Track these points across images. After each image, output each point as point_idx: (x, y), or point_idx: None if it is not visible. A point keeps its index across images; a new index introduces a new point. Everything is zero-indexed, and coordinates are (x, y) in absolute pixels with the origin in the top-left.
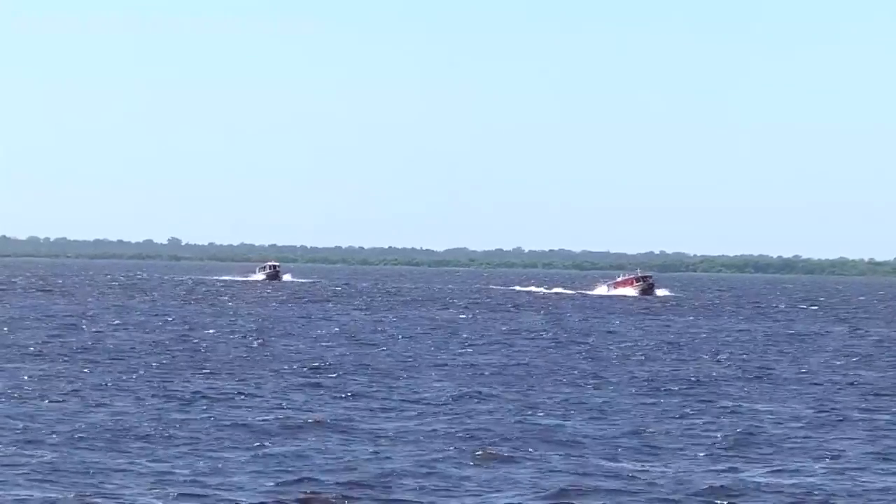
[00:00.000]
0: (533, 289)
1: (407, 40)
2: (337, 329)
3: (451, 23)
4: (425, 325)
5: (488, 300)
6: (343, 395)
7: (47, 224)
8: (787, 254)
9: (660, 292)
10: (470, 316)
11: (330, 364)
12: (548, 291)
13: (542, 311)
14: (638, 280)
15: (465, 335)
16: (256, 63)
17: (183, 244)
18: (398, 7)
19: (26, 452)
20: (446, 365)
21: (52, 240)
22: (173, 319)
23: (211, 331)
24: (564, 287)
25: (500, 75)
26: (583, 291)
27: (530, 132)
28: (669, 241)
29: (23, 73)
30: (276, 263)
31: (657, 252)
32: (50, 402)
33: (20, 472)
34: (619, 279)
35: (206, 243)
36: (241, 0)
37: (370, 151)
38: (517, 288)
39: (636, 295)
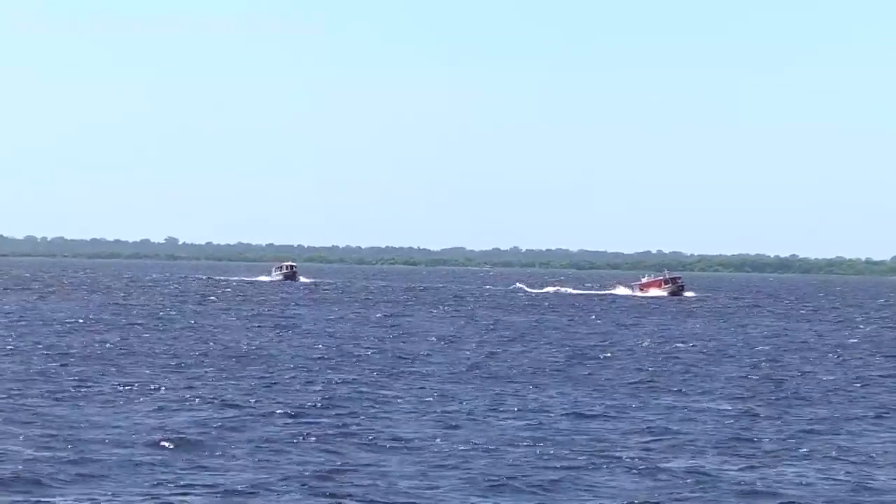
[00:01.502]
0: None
1: (406, 41)
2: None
3: (450, 24)
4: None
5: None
6: None
7: (44, 223)
8: (784, 253)
9: (688, 293)
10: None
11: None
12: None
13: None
14: (667, 282)
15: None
16: (254, 63)
17: (180, 243)
18: (397, 8)
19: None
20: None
21: (49, 239)
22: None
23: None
24: (574, 288)
25: (498, 75)
26: (600, 292)
27: (528, 132)
28: (666, 240)
29: (21, 72)
30: (293, 264)
31: (654, 251)
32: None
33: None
34: (644, 280)
35: (203, 242)
36: (240, 1)
37: (368, 151)
38: (520, 285)
39: (666, 296)
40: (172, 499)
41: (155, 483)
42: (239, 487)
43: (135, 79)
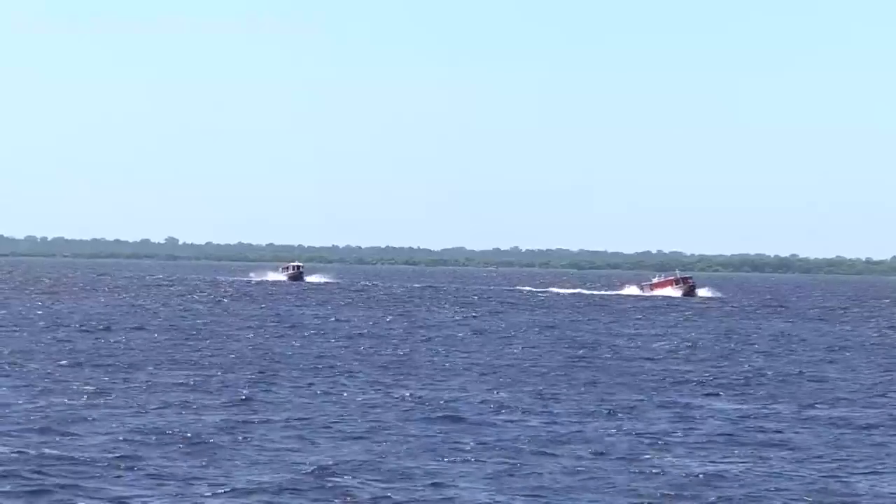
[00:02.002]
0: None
1: (406, 41)
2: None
3: (450, 24)
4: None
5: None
6: None
7: (44, 223)
8: (784, 253)
9: (701, 293)
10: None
11: None
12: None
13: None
14: (678, 281)
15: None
16: (254, 63)
17: (180, 243)
18: (397, 8)
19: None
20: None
21: (49, 239)
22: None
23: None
24: (585, 288)
25: (498, 75)
26: (609, 293)
27: (528, 132)
28: (666, 240)
29: (21, 72)
30: (300, 264)
31: (654, 251)
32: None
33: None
34: (655, 280)
35: (203, 243)
36: (240, 1)
37: (368, 151)
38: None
39: (678, 296)
40: (183, 500)
41: (162, 484)
42: (249, 487)
43: (135, 79)
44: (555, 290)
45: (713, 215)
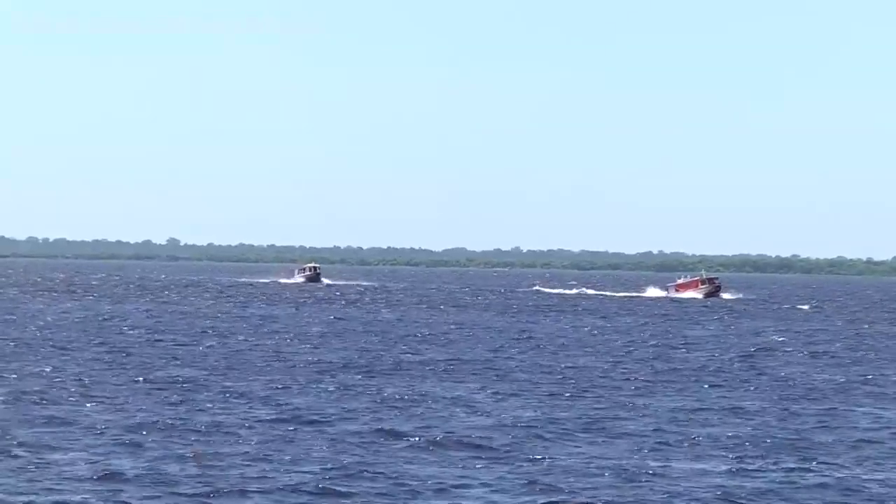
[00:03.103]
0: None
1: (407, 43)
2: None
3: (450, 24)
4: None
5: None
6: None
7: (46, 224)
8: (785, 253)
9: (726, 295)
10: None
11: None
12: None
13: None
14: (703, 282)
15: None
16: (254, 63)
17: (181, 244)
18: (397, 8)
19: None
20: None
21: (50, 240)
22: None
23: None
24: (601, 289)
25: (499, 75)
26: (631, 294)
27: (529, 132)
28: (667, 240)
29: (21, 72)
30: (317, 265)
31: (655, 252)
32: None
33: None
34: (680, 281)
35: (204, 244)
36: (240, 1)
37: (368, 151)
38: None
39: (702, 298)
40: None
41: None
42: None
43: (135, 79)
44: (550, 289)
45: (714, 216)
